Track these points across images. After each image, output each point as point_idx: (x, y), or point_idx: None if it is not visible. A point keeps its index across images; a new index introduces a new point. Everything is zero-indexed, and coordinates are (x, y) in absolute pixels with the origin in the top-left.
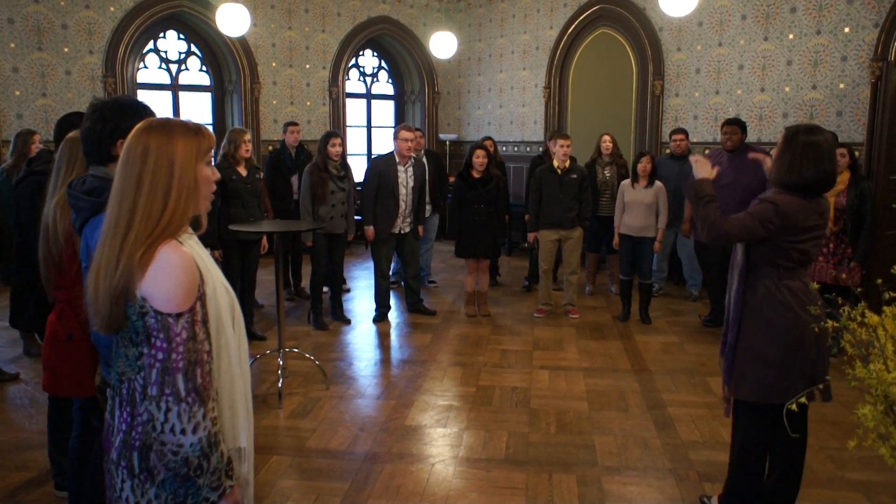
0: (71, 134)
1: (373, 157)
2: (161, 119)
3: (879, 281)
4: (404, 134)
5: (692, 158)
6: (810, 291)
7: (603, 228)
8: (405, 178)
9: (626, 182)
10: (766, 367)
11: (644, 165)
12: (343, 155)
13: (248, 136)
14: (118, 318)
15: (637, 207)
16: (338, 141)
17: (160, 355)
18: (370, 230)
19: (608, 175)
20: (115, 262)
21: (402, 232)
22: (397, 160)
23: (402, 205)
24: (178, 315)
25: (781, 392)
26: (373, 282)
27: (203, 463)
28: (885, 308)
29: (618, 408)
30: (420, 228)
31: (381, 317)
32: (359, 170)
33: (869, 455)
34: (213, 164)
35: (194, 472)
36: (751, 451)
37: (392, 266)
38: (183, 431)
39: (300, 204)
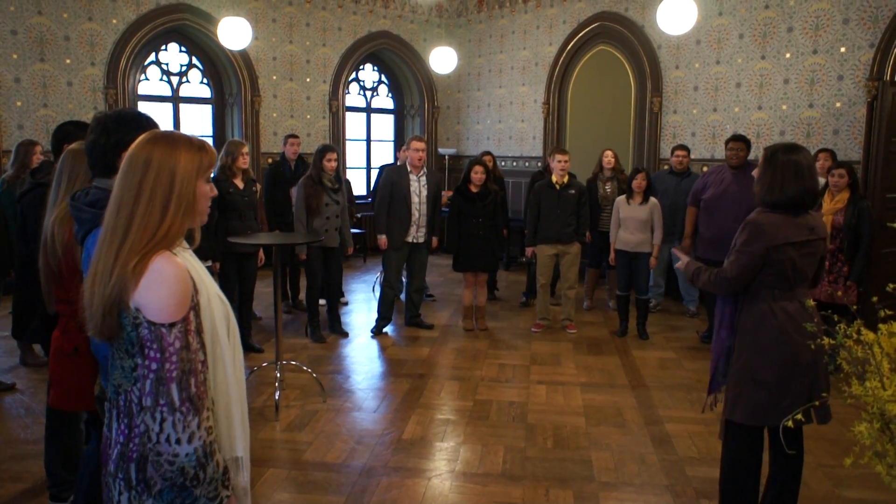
0: (72, 146)
1: (386, 166)
2: (166, 132)
3: (875, 299)
4: (416, 144)
5: (676, 253)
6: (807, 310)
7: (604, 244)
8: (418, 187)
9: (622, 198)
10: (761, 389)
11: (639, 182)
12: (338, 169)
13: (246, 149)
14: (111, 326)
15: (632, 223)
16: (334, 156)
17: (154, 366)
18: (383, 239)
19: (609, 190)
20: (110, 271)
21: (416, 241)
22: (409, 170)
23: (416, 213)
24: (171, 325)
25: (776, 415)
26: (370, 295)
27: (199, 473)
28: (880, 326)
29: (615, 423)
30: (434, 240)
31: (378, 330)
32: (357, 184)
33: (865, 473)
34: (211, 180)
35: (191, 483)
36: (739, 470)
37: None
38: (178, 441)
39: (295, 216)
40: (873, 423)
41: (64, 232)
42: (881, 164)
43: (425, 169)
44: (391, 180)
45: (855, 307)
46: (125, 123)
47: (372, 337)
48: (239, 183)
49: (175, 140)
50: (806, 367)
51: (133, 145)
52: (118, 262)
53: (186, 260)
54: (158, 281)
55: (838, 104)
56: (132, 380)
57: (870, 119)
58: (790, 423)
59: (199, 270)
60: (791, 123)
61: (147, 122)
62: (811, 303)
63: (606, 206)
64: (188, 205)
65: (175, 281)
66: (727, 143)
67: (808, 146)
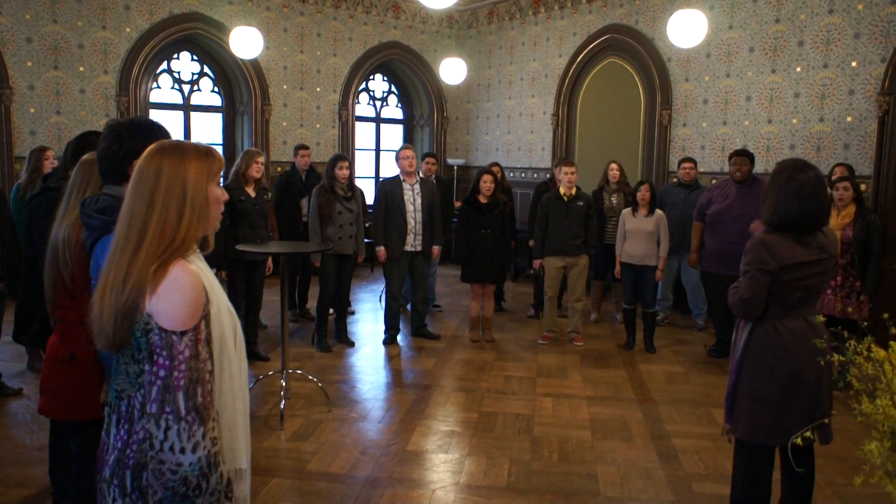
0: (86, 156)
1: (381, 179)
2: (173, 142)
3: (886, 315)
4: (404, 153)
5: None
6: (815, 326)
7: (608, 256)
8: (412, 195)
9: (627, 211)
10: (762, 407)
11: (643, 194)
12: (350, 177)
13: (261, 159)
14: (124, 335)
15: (638, 236)
16: (345, 164)
17: (162, 373)
18: (381, 250)
19: (615, 202)
20: (124, 278)
21: (414, 250)
22: (403, 179)
23: (412, 222)
24: (183, 333)
25: (778, 433)
26: (377, 304)
27: (202, 483)
28: (891, 343)
29: (621, 437)
30: (435, 249)
31: (390, 339)
32: (367, 192)
33: (876, 492)
34: (221, 185)
35: (193, 493)
36: (750, 490)
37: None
38: (182, 450)
39: (309, 226)
40: (884, 442)
41: (75, 240)
42: (892, 180)
43: (419, 177)
44: (385, 191)
45: (866, 323)
46: (138, 132)
47: (384, 343)
48: (251, 191)
49: (183, 149)
50: (809, 386)
51: (141, 158)
52: (133, 268)
53: (200, 269)
54: (174, 288)
55: (849, 119)
56: (136, 385)
57: (881, 134)
58: (799, 441)
59: (211, 280)
60: (801, 138)
61: (160, 131)
62: (820, 318)
63: (612, 217)
64: (202, 210)
65: (190, 289)
66: (730, 157)
67: (818, 161)
